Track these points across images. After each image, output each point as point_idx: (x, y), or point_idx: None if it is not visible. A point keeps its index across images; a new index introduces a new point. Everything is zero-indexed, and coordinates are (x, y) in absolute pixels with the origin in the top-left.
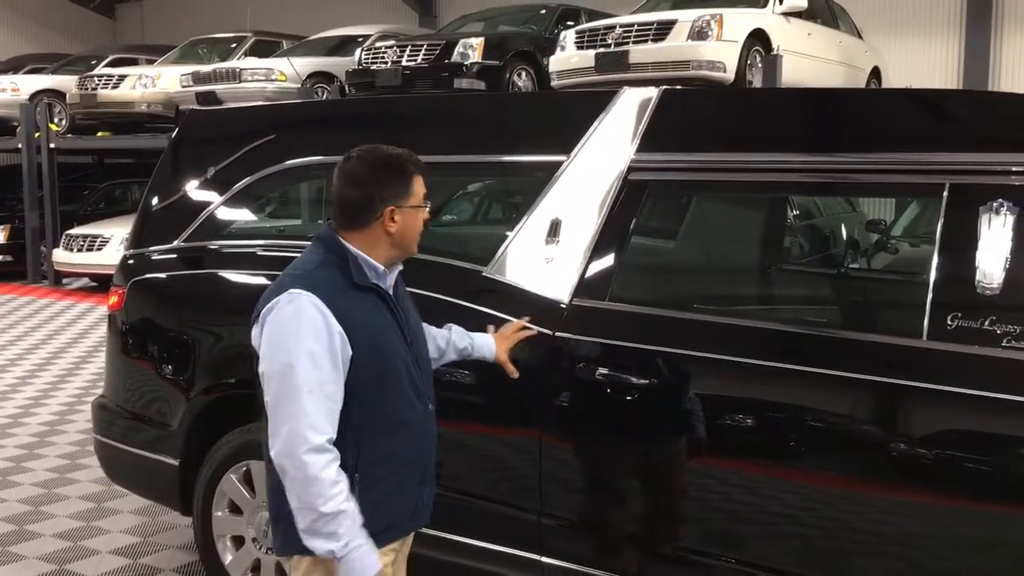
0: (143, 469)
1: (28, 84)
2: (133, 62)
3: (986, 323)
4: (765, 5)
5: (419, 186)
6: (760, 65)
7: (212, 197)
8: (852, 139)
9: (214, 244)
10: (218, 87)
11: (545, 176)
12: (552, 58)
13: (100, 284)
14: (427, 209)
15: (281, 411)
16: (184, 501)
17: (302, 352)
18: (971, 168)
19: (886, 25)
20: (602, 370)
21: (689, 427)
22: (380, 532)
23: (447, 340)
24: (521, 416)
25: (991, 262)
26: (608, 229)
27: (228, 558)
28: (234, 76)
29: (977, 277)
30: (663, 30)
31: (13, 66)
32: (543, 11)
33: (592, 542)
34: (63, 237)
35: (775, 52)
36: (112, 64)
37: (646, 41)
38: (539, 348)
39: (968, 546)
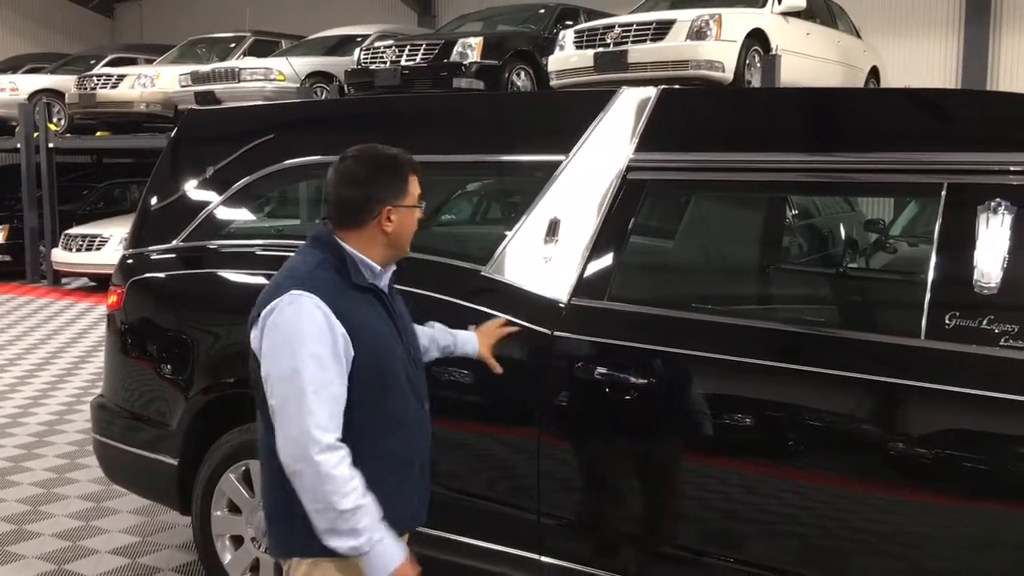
0: (142, 469)
1: (27, 84)
2: (132, 62)
3: (984, 322)
4: (764, 5)
5: (414, 186)
6: (759, 65)
7: (211, 197)
8: (850, 139)
9: (213, 244)
10: (217, 87)
11: (544, 176)
12: (551, 58)
13: (99, 284)
14: (421, 208)
15: (288, 414)
16: (183, 501)
17: (307, 354)
18: (969, 168)
19: (885, 24)
20: (600, 369)
21: (687, 426)
22: None
23: (431, 338)
24: (519, 415)
25: (989, 261)
26: (607, 229)
27: (227, 557)
28: (233, 76)
29: (975, 276)
30: (662, 30)
31: (12, 66)
32: (542, 11)
33: (591, 541)
34: (62, 237)
35: (774, 52)
36: (111, 64)
37: (645, 41)
38: (538, 347)
39: (966, 545)
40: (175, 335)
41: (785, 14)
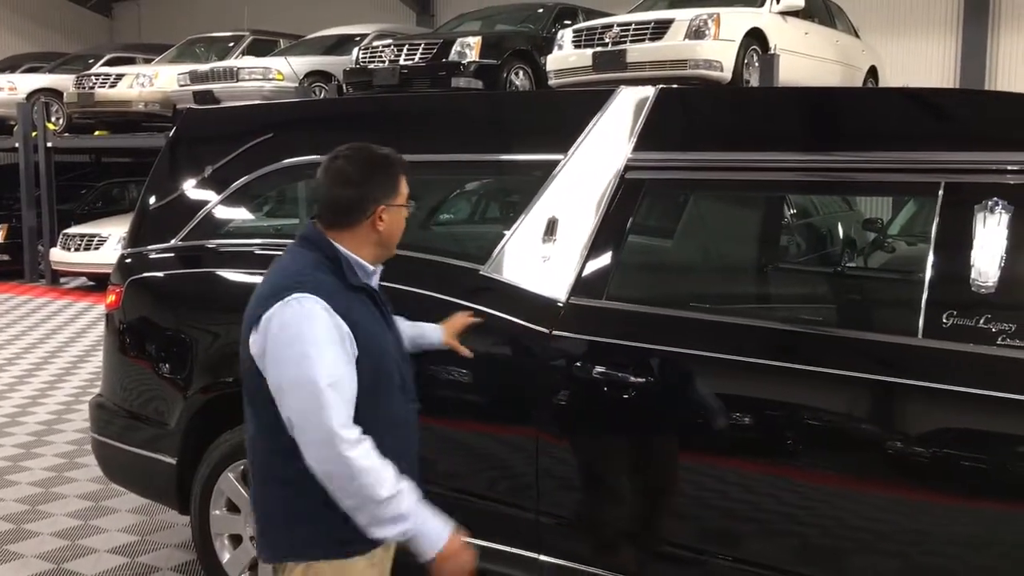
0: (141, 468)
1: (25, 83)
2: (130, 61)
3: (981, 321)
4: (762, 4)
5: (404, 185)
6: (757, 64)
7: (209, 196)
8: (849, 138)
9: (211, 243)
10: (215, 86)
11: (542, 175)
12: (549, 57)
13: (97, 283)
14: (410, 208)
15: (308, 417)
16: (182, 500)
17: (320, 355)
18: (967, 167)
19: (883, 24)
20: (599, 368)
21: (685, 425)
22: None
23: (402, 332)
24: (518, 414)
25: (986, 260)
26: (605, 228)
27: (226, 556)
28: (231, 75)
29: (972, 275)
30: (660, 29)
31: (10, 65)
32: (540, 10)
33: (590, 540)
34: (60, 236)
35: (772, 51)
36: (109, 63)
37: (643, 40)
38: (536, 347)
39: (964, 544)
40: (174, 334)
41: (783, 13)
